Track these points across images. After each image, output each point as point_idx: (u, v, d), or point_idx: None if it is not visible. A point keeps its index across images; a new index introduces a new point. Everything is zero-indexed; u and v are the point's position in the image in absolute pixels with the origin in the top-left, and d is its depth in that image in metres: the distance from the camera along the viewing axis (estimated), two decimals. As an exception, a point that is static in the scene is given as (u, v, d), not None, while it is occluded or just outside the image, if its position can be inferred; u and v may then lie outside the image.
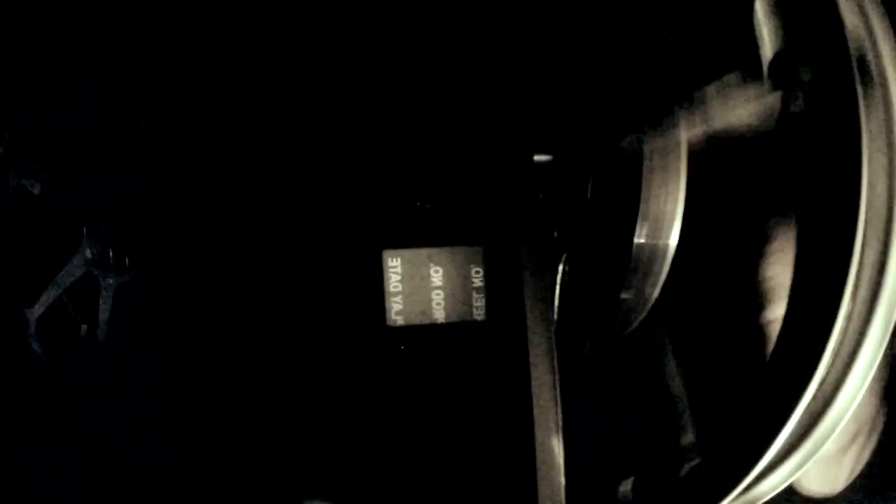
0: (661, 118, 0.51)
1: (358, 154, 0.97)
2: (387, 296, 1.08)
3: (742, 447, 0.41)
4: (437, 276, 1.13)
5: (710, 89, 0.49)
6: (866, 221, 0.36)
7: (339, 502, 0.86)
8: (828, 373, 0.38)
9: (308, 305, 0.96)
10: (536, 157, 0.64)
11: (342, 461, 0.89)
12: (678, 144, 0.50)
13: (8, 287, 0.78)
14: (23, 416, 0.80)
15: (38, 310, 0.77)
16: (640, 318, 0.53)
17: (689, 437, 0.48)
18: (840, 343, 0.38)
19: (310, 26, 0.90)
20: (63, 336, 0.80)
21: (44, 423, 0.81)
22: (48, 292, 0.78)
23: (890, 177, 0.37)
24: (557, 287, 0.58)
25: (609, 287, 0.55)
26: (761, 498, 0.45)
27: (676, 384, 0.52)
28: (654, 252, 0.51)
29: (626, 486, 0.51)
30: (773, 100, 0.44)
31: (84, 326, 0.80)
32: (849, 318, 0.37)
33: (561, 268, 0.60)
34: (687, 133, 0.50)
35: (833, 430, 0.41)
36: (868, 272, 0.37)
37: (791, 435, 0.40)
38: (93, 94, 0.79)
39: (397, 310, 1.10)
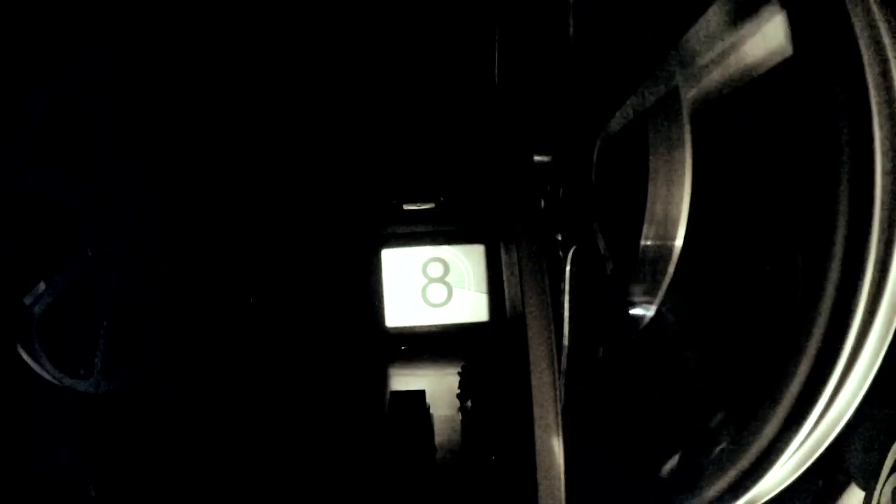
0: (655, 71, 0.48)
1: (359, 155, 0.97)
2: (386, 296, 1.09)
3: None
4: (437, 275, 1.13)
5: (694, 34, 0.45)
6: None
7: (338, 502, 0.86)
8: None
9: (307, 305, 0.96)
10: (536, 157, 0.64)
11: (341, 460, 0.89)
12: (683, 134, 0.49)
13: (8, 287, 0.78)
14: (23, 415, 0.80)
15: (37, 310, 0.77)
16: (649, 318, 0.53)
17: (716, 419, 0.47)
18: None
19: (316, 30, 0.90)
20: (63, 336, 0.80)
21: (43, 422, 0.81)
22: (48, 292, 0.78)
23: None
24: (567, 288, 0.58)
25: (618, 292, 0.55)
26: (763, 497, 0.45)
27: (697, 373, 0.52)
28: (661, 253, 0.51)
29: (671, 464, 0.50)
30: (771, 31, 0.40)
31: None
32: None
33: (567, 269, 0.59)
34: (686, 92, 0.47)
35: (834, 429, 0.41)
36: (871, 269, 0.37)
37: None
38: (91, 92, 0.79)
39: (396, 310, 1.10)
